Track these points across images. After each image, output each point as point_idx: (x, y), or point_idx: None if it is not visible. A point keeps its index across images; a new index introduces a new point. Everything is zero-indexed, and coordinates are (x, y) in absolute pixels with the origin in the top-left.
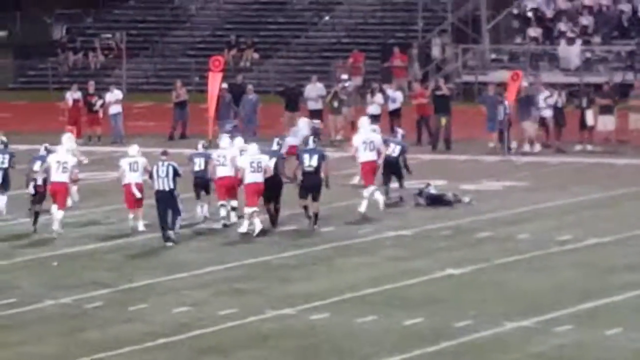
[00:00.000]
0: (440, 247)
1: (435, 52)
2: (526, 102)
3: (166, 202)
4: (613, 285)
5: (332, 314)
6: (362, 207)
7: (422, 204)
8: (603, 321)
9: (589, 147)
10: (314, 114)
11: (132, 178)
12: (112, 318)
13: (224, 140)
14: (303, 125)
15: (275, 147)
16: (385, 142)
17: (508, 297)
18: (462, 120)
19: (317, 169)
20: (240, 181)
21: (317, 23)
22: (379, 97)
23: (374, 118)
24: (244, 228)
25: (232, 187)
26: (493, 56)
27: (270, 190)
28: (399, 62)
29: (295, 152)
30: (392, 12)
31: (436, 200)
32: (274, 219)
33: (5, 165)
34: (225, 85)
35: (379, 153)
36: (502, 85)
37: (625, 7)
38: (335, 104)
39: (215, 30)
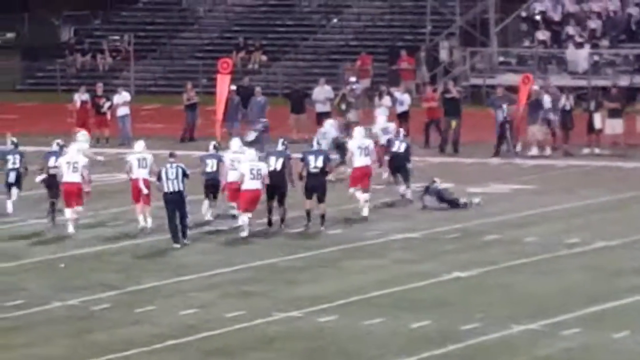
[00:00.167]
0: (447, 249)
1: (443, 55)
2: (536, 106)
3: (176, 203)
4: (621, 288)
5: (339, 316)
6: (365, 212)
7: (428, 206)
8: (610, 324)
9: (597, 150)
10: (322, 117)
11: (140, 174)
12: (119, 320)
13: (235, 142)
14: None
15: (280, 147)
16: (389, 142)
17: (515, 300)
18: (470, 123)
19: (323, 171)
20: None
21: (325, 26)
22: (386, 100)
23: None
24: (245, 232)
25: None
26: (501, 59)
27: (275, 188)
28: (406, 65)
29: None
30: (401, 15)
31: (445, 197)
32: (271, 218)
33: (17, 165)
34: (233, 87)
35: (382, 154)
36: (510, 89)
37: (634, 11)
38: (343, 106)
39: (223, 33)
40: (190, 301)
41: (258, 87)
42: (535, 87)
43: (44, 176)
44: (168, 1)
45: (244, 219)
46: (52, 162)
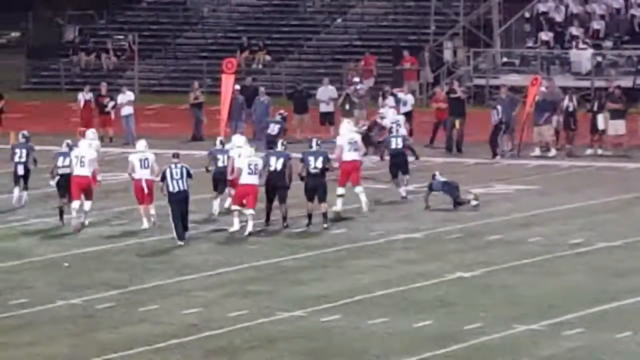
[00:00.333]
0: (450, 249)
1: (447, 55)
2: (542, 107)
3: (182, 202)
4: (623, 288)
5: (342, 316)
6: (364, 206)
7: (430, 206)
8: (613, 325)
9: (600, 151)
10: (325, 117)
11: (143, 174)
12: (122, 319)
13: (238, 138)
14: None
15: (280, 148)
16: (386, 140)
17: (518, 300)
18: (473, 123)
19: (323, 171)
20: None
21: (329, 26)
22: (390, 100)
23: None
24: (235, 227)
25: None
26: (504, 60)
27: (275, 188)
28: (410, 65)
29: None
30: (404, 15)
31: (450, 185)
32: (269, 216)
33: (23, 159)
34: (237, 87)
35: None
36: (513, 90)
37: (637, 12)
38: (347, 106)
39: (227, 32)
40: (193, 300)
41: (262, 88)
42: (542, 89)
43: (57, 179)
44: (172, 1)
45: (250, 211)
46: (60, 162)
